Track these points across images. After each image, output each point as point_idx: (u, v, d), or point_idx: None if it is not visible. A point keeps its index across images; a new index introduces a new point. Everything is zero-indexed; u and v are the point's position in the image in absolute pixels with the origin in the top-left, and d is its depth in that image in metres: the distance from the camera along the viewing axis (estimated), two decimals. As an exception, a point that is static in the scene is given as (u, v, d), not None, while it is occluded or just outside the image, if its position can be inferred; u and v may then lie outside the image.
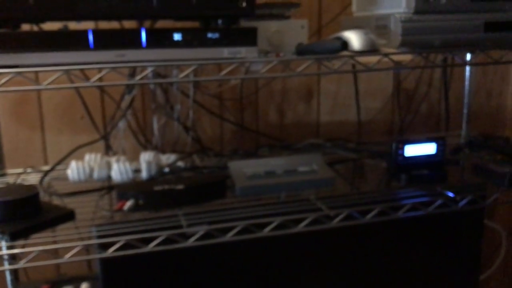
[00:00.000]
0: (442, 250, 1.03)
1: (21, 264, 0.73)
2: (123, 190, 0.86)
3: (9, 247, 0.75)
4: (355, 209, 0.87)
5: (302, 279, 0.99)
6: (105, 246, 0.77)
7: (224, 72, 0.77)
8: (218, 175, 0.94)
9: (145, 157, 1.09)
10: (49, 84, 0.69)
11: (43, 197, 0.97)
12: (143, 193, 0.85)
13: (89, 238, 0.80)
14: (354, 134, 1.38)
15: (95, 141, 1.15)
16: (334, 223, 0.85)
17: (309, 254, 0.99)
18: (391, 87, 1.43)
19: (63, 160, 1.07)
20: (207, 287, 0.95)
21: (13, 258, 1.00)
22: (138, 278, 0.91)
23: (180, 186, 0.87)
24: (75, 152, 1.11)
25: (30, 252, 0.73)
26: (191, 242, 0.78)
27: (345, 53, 0.82)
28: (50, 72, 0.73)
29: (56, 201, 0.89)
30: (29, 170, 1.11)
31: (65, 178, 1.04)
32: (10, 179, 1.08)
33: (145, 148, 1.21)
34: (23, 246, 0.78)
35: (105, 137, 1.16)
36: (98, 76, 0.71)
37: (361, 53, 0.82)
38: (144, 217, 0.85)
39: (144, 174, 1.02)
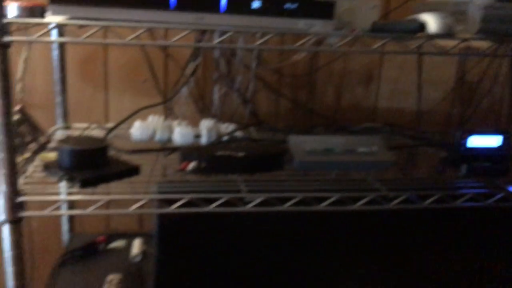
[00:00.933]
0: (496, 244, 1.02)
1: (89, 210, 0.76)
2: (187, 152, 0.88)
3: (70, 194, 0.79)
4: (413, 193, 0.86)
5: (349, 259, 1.00)
6: (167, 203, 0.79)
7: (298, 43, 0.77)
8: (278, 147, 0.95)
9: (205, 124, 1.11)
10: (132, 39, 0.71)
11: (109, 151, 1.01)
12: (206, 157, 0.87)
13: (152, 193, 0.83)
14: (411, 123, 1.36)
15: (158, 104, 1.17)
16: (392, 205, 0.85)
17: (358, 235, 0.99)
18: (453, 79, 1.40)
19: (127, 119, 1.11)
20: (256, 254, 0.97)
21: (71, 207, 1.05)
22: (191, 238, 0.94)
23: (240, 154, 0.89)
24: (137, 113, 1.13)
25: (98, 200, 0.76)
26: (249, 207, 0.80)
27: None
28: (126, 29, 0.75)
29: (121, 156, 0.92)
30: (93, 126, 1.15)
31: (127, 137, 1.08)
32: (75, 133, 1.12)
33: (204, 116, 1.23)
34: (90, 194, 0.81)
35: (168, 102, 1.19)
36: (178, 36, 0.73)
37: (438, 36, 0.80)
38: (204, 179, 0.88)
39: (204, 140, 1.05)
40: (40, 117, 1.22)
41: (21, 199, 0.73)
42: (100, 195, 0.77)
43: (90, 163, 0.82)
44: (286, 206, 0.82)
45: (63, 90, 1.13)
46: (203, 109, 1.24)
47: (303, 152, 0.94)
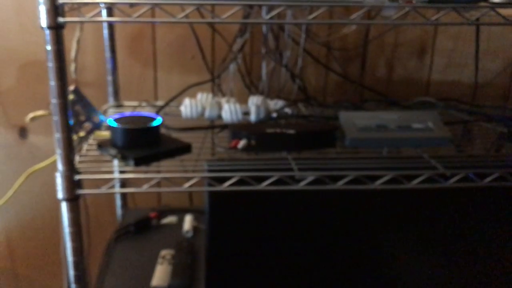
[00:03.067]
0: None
1: (143, 188, 0.77)
2: (237, 129, 0.87)
3: (124, 172, 0.80)
4: (472, 171, 0.83)
5: (403, 239, 0.98)
6: (218, 180, 0.79)
7: (354, 16, 0.74)
8: (329, 124, 0.93)
9: (254, 100, 1.10)
10: (183, 17, 0.71)
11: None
12: (256, 134, 0.86)
13: (204, 171, 0.83)
14: (466, 96, 1.30)
15: (206, 82, 1.17)
16: (449, 183, 0.81)
17: (411, 214, 0.97)
18: (514, 49, 1.32)
19: (177, 96, 1.11)
20: (306, 231, 0.96)
21: (123, 185, 1.07)
22: (241, 215, 0.94)
23: (291, 131, 0.87)
24: (186, 91, 1.14)
25: (151, 179, 0.77)
26: (301, 185, 0.79)
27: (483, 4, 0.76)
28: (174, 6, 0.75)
29: (171, 134, 0.93)
30: (143, 104, 1.16)
31: (176, 114, 1.08)
32: (126, 111, 1.14)
33: (251, 92, 1.22)
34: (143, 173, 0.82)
35: (216, 79, 1.18)
36: (228, 13, 0.72)
37: (501, 4, 0.75)
38: (255, 157, 0.87)
39: (252, 117, 1.04)
40: (92, 95, 1.25)
41: (78, 177, 0.75)
42: (153, 173, 0.78)
43: (143, 142, 0.83)
44: (339, 184, 0.80)
45: (114, 69, 1.14)
46: (251, 85, 1.23)
47: (355, 129, 0.91)
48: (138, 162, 0.79)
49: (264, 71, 1.19)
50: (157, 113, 1.06)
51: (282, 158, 0.87)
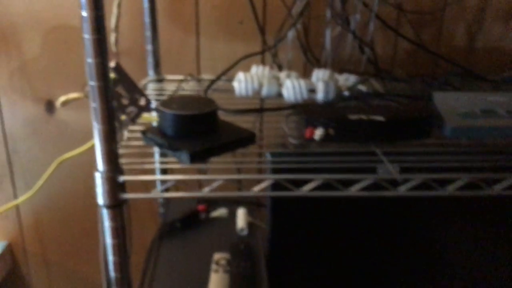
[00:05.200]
0: None
1: (204, 192, 0.62)
2: (312, 114, 0.71)
3: (175, 171, 0.64)
4: None
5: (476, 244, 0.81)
6: (293, 182, 0.63)
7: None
8: (423, 108, 0.75)
9: (319, 75, 0.93)
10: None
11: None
12: (336, 121, 0.70)
13: (274, 168, 0.67)
14: None
15: (261, 52, 1.00)
16: None
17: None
18: None
19: (230, 69, 0.94)
20: (386, 236, 0.81)
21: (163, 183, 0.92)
22: (310, 219, 0.79)
23: (379, 117, 0.70)
24: (238, 63, 0.96)
25: (213, 180, 0.62)
26: (403, 191, 0.62)
27: None
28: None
29: (226, 117, 0.76)
30: (188, 78, 0.99)
31: (228, 90, 0.92)
32: (168, 86, 0.98)
33: (312, 64, 1.04)
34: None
35: (272, 48, 1.01)
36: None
37: None
38: (333, 150, 0.70)
39: (320, 96, 0.87)
40: (130, 68, 1.09)
41: (122, 178, 0.60)
42: (214, 175, 0.62)
43: (199, 131, 0.67)
44: (450, 189, 0.63)
45: (154, 36, 0.97)
46: (311, 57, 1.05)
47: (456, 115, 0.74)
48: (194, 157, 0.63)
49: (328, 39, 1.01)
50: (207, 89, 0.90)
51: (369, 152, 0.70)
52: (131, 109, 0.66)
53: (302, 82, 0.87)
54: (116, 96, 0.63)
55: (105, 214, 0.61)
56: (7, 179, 1.24)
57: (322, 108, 0.75)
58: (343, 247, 0.84)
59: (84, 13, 0.52)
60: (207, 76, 1.01)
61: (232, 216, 0.97)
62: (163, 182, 0.62)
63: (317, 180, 0.61)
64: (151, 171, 0.64)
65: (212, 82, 0.91)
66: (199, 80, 0.99)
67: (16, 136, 1.19)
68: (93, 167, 0.58)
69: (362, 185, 0.62)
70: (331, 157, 0.67)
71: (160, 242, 0.89)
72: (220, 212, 0.99)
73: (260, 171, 0.77)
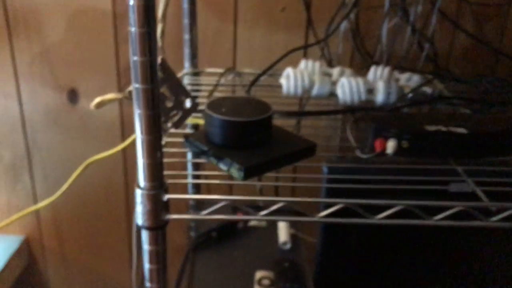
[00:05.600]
0: None
1: (259, 215, 0.53)
2: (381, 123, 0.61)
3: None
4: None
5: None
6: (366, 209, 0.54)
7: None
8: (509, 118, 0.65)
9: (377, 72, 0.83)
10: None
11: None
12: (411, 133, 0.60)
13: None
14: None
15: (311, 45, 0.89)
16: None
17: None
18: None
19: (277, 62, 0.84)
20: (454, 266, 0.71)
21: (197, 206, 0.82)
22: (362, 242, 0.69)
23: (461, 130, 0.60)
24: (286, 56, 0.86)
25: (272, 202, 0.52)
26: (494, 221, 0.52)
27: None
28: None
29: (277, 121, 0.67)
30: (227, 71, 0.90)
31: (269, 86, 0.82)
32: (205, 80, 0.88)
33: (365, 60, 0.94)
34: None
35: (322, 41, 0.90)
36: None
37: None
38: (408, 166, 0.61)
39: (380, 98, 0.77)
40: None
41: (167, 197, 0.51)
42: (274, 197, 0.53)
43: (252, 140, 0.58)
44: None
45: (193, 25, 0.87)
46: (364, 51, 0.95)
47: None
48: (249, 173, 0.54)
49: (384, 32, 0.91)
50: (251, 86, 0.80)
51: (448, 169, 0.61)
52: (175, 112, 0.57)
53: (360, 81, 0.77)
54: (160, 97, 0.53)
55: (145, 236, 0.52)
56: (25, 171, 1.16)
57: (390, 116, 0.65)
58: (400, 273, 0.75)
59: (132, 1, 0.43)
60: (247, 69, 0.91)
61: (272, 225, 0.88)
62: (212, 201, 0.53)
63: (397, 206, 0.51)
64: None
65: (258, 77, 0.81)
66: (240, 74, 0.89)
67: (36, 127, 1.11)
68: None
69: (448, 214, 0.52)
70: (404, 176, 0.58)
71: (195, 255, 0.81)
72: (259, 223, 0.90)
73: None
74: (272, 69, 0.86)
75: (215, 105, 0.59)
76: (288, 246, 0.83)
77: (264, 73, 0.82)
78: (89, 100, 1.08)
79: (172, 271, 0.80)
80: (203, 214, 0.51)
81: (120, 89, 1.06)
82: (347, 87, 0.77)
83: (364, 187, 0.55)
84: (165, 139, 0.62)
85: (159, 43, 0.61)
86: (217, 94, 0.81)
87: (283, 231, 0.85)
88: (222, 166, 0.56)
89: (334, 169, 0.63)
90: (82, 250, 1.25)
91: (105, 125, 1.10)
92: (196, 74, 0.89)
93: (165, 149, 0.61)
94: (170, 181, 0.52)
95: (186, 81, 0.86)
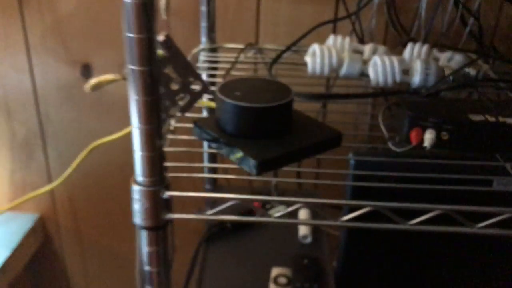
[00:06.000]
0: None
1: (273, 217, 0.46)
2: (419, 110, 0.53)
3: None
4: None
5: None
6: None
7: None
8: None
9: (414, 50, 0.74)
10: None
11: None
12: (454, 123, 0.52)
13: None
14: None
15: (340, 19, 0.80)
16: None
17: None
18: None
19: (301, 39, 0.76)
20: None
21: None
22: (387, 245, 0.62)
23: (511, 120, 0.52)
24: (312, 31, 0.78)
25: (292, 202, 0.46)
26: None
27: None
28: None
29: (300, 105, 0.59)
30: (248, 47, 0.82)
31: (294, 64, 0.75)
32: (223, 57, 0.81)
33: (401, 37, 0.85)
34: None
35: (354, 15, 0.81)
36: None
37: None
38: (450, 162, 0.53)
39: (416, 80, 0.68)
40: (179, 34, 0.92)
41: (168, 194, 0.45)
42: (292, 197, 0.46)
43: (269, 128, 0.51)
44: None
45: (210, -6, 0.80)
46: (400, 27, 0.85)
47: None
48: (264, 166, 0.47)
49: (424, 4, 0.81)
50: (272, 64, 0.72)
51: (495, 165, 0.53)
52: (182, 96, 0.50)
53: (395, 60, 0.69)
54: (164, 79, 0.47)
55: (144, 237, 0.46)
56: (39, 148, 1.12)
57: (429, 101, 0.57)
58: (429, 275, 0.67)
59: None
60: (269, 45, 0.83)
61: (293, 215, 0.82)
62: (219, 199, 0.46)
63: (435, 211, 0.44)
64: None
65: (280, 54, 0.73)
66: (262, 51, 0.81)
67: (49, 102, 1.06)
68: (131, 142, 0.43)
69: (494, 221, 0.44)
70: (443, 172, 0.50)
71: (207, 246, 0.75)
72: (279, 209, 0.83)
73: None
74: (297, 45, 0.78)
75: (228, 88, 0.52)
76: (308, 240, 0.76)
77: (287, 49, 0.75)
78: (103, 75, 1.02)
79: (185, 258, 0.74)
80: (209, 214, 0.45)
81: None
82: (380, 67, 0.68)
83: (396, 186, 0.48)
84: (173, 125, 0.56)
85: (163, 16, 0.53)
86: (235, 73, 0.74)
87: (302, 225, 0.79)
88: (233, 158, 0.49)
89: (362, 163, 0.56)
90: (97, 229, 1.21)
91: (119, 100, 1.04)
92: (213, 50, 0.82)
93: (172, 136, 0.54)
94: (171, 174, 0.46)
95: (202, 57, 0.79)
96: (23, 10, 0.98)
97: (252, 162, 0.47)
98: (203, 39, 0.81)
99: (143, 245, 0.47)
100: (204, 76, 0.79)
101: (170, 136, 0.54)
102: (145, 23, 0.37)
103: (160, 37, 0.44)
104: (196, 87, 0.50)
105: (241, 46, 0.81)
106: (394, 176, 0.50)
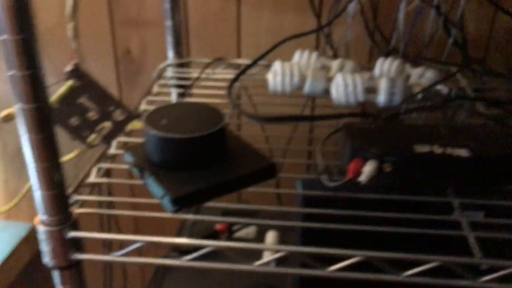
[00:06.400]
0: None
1: (183, 260, 0.43)
2: (359, 141, 0.49)
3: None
4: None
5: None
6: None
7: None
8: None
9: (385, 66, 0.70)
10: None
11: (230, 116, 0.66)
12: (395, 154, 0.48)
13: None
14: None
15: (309, 33, 0.76)
16: None
17: None
18: None
19: (265, 55, 0.73)
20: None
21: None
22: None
23: (462, 152, 0.47)
24: (278, 46, 0.74)
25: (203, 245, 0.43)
26: (482, 283, 0.40)
27: None
28: None
29: (247, 128, 0.56)
30: (219, 62, 0.79)
31: (262, 82, 0.71)
32: (194, 72, 0.78)
33: (380, 49, 0.80)
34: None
35: (325, 27, 0.77)
36: None
37: None
38: (384, 195, 0.49)
39: (381, 99, 0.64)
40: (152, 45, 0.90)
41: (72, 234, 0.42)
42: (203, 240, 0.44)
43: (196, 159, 0.48)
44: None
45: (175, 9, 0.77)
46: (383, 37, 0.81)
47: None
48: (181, 204, 0.44)
49: (401, 15, 0.76)
50: (234, 82, 0.69)
51: (440, 201, 0.48)
52: (107, 124, 0.48)
53: (358, 78, 0.65)
54: (78, 109, 0.45)
55: (56, 276, 0.44)
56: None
57: (379, 131, 0.53)
58: None
59: (-6, 2, 0.34)
60: (241, 60, 0.80)
61: (260, 236, 0.79)
62: (129, 241, 0.44)
63: (355, 257, 0.40)
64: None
65: (240, 73, 0.70)
66: (231, 65, 0.78)
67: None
68: None
69: (423, 269, 0.40)
70: (380, 209, 0.46)
71: (165, 273, 0.73)
72: (247, 232, 0.80)
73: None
74: (265, 59, 0.74)
75: (156, 115, 0.50)
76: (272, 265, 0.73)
77: (251, 65, 0.71)
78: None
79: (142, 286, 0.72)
80: (118, 256, 0.42)
81: (118, 75, 0.99)
82: (342, 85, 0.64)
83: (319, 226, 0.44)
84: (114, 151, 0.54)
85: (73, 45, 0.51)
86: (199, 91, 0.72)
87: (269, 245, 0.75)
88: (155, 192, 0.46)
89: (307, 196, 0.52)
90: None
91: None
92: (181, 65, 0.79)
93: (106, 165, 0.52)
94: (80, 210, 0.44)
95: (169, 73, 0.77)
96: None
97: (167, 199, 0.44)
98: (170, 54, 0.79)
99: (57, 285, 0.45)
100: (174, 94, 0.77)
101: (105, 165, 0.52)
102: (27, 59, 0.35)
103: (68, 67, 0.42)
104: (119, 115, 0.48)
105: (209, 60, 0.78)
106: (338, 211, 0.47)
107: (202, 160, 0.48)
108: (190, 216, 0.48)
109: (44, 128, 0.38)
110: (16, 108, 0.37)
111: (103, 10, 0.92)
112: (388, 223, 0.44)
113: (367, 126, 0.53)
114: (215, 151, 0.49)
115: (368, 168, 0.47)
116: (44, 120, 0.38)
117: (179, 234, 0.81)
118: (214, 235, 0.77)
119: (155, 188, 0.46)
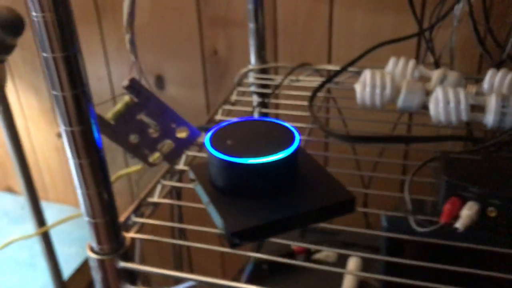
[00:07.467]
0: None
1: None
2: (459, 176, 0.40)
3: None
4: None
5: None
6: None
7: None
8: None
9: (496, 80, 0.59)
10: None
11: (310, 131, 0.59)
12: (503, 196, 0.39)
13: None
14: None
15: (408, 37, 0.67)
16: None
17: None
18: None
19: (353, 63, 0.65)
20: None
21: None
22: None
23: None
24: (370, 52, 0.66)
25: None
26: None
27: None
28: None
29: (333, 147, 0.50)
30: (305, 67, 0.73)
31: (352, 93, 0.64)
32: (278, 79, 0.73)
33: (491, 58, 0.69)
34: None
35: (426, 31, 0.67)
36: None
37: None
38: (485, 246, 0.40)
39: (489, 120, 0.54)
40: (238, 51, 0.87)
41: (123, 265, 0.39)
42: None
43: (259, 188, 0.42)
44: None
45: (258, 11, 0.72)
46: (497, 44, 0.69)
47: None
48: (240, 237, 0.39)
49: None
50: (315, 95, 0.62)
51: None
52: (168, 143, 0.44)
53: (462, 93, 0.55)
54: (138, 126, 0.41)
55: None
56: (120, 155, 1.14)
57: (484, 157, 0.44)
58: None
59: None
60: (331, 65, 0.73)
61: (343, 262, 0.71)
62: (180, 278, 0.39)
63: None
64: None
65: (323, 84, 0.63)
66: (318, 72, 0.72)
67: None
68: None
69: None
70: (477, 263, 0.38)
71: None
72: (326, 254, 0.73)
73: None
74: (356, 65, 0.67)
75: (222, 133, 0.45)
76: (353, 295, 0.66)
77: (338, 73, 0.64)
78: (176, 86, 1.01)
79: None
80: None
81: (206, 76, 0.96)
82: (442, 101, 0.55)
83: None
84: (181, 166, 0.50)
85: (131, 58, 0.47)
86: (278, 101, 0.66)
87: (349, 276, 0.68)
88: (216, 221, 0.42)
89: (394, 224, 0.45)
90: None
91: (192, 110, 1.01)
92: (264, 71, 0.74)
93: (172, 183, 0.49)
94: (136, 236, 0.40)
95: (250, 79, 0.72)
96: (101, 22, 0.99)
97: (226, 231, 0.39)
98: (252, 59, 0.74)
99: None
100: (255, 101, 0.72)
101: (170, 183, 0.49)
102: (69, 79, 0.32)
103: (124, 82, 0.39)
104: (181, 132, 0.44)
105: (292, 65, 0.72)
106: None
107: (269, 188, 0.42)
108: (252, 254, 0.43)
109: (90, 153, 0.35)
110: (62, 130, 0.34)
111: (192, 10, 0.90)
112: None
113: (470, 156, 0.44)
114: (284, 179, 0.43)
115: (468, 212, 0.39)
116: (90, 143, 0.34)
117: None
118: (290, 255, 0.72)
119: (215, 216, 0.41)
